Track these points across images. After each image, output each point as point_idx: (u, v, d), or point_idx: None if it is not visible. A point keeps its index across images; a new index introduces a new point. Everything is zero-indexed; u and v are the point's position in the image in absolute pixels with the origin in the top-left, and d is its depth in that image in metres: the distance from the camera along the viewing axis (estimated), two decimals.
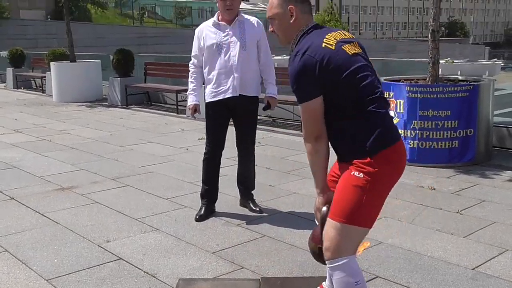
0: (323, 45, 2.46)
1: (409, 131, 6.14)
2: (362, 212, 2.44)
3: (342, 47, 2.48)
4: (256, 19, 4.62)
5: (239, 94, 4.43)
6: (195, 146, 7.50)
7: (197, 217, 4.62)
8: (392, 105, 6.22)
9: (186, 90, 10.48)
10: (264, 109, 4.77)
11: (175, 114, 10.95)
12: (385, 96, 2.58)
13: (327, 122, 2.50)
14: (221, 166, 4.78)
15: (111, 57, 13.19)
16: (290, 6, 2.59)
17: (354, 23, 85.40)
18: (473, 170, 5.98)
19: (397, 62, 14.46)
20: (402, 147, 2.58)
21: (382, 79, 6.25)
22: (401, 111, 6.19)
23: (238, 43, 4.40)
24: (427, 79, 6.45)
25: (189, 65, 4.68)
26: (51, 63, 13.89)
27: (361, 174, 2.42)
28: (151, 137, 8.54)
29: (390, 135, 2.50)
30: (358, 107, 2.45)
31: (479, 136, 6.24)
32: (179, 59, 14.32)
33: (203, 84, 4.69)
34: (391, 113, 6.24)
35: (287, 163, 6.60)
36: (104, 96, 13.68)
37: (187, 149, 7.47)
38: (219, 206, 4.80)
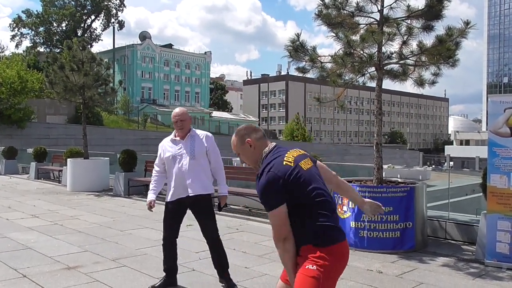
0: (284, 163, 2.50)
1: (359, 223, 6.15)
2: None
3: (299, 163, 2.55)
4: (205, 133, 4.70)
5: (192, 195, 4.50)
6: (183, 232, 7.26)
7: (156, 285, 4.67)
8: (345, 201, 6.27)
9: None
10: (219, 209, 4.81)
11: None
12: (332, 202, 2.59)
13: (290, 219, 2.46)
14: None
15: (118, 155, 13.21)
16: (247, 139, 2.67)
17: (315, 131, 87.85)
18: (413, 256, 5.94)
19: (350, 166, 14.70)
20: (347, 246, 2.57)
21: None
22: (353, 207, 6.21)
23: (188, 155, 4.51)
24: (373, 181, 6.57)
25: (153, 171, 4.80)
26: (68, 159, 13.83)
27: (314, 266, 2.39)
28: (147, 223, 8.35)
29: (338, 234, 2.51)
30: (312, 208, 2.47)
31: (417, 228, 6.26)
32: None
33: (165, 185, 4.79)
34: (344, 208, 6.28)
35: (260, 247, 6.47)
36: (110, 187, 13.52)
37: None
38: (202, 286, 4.63)
